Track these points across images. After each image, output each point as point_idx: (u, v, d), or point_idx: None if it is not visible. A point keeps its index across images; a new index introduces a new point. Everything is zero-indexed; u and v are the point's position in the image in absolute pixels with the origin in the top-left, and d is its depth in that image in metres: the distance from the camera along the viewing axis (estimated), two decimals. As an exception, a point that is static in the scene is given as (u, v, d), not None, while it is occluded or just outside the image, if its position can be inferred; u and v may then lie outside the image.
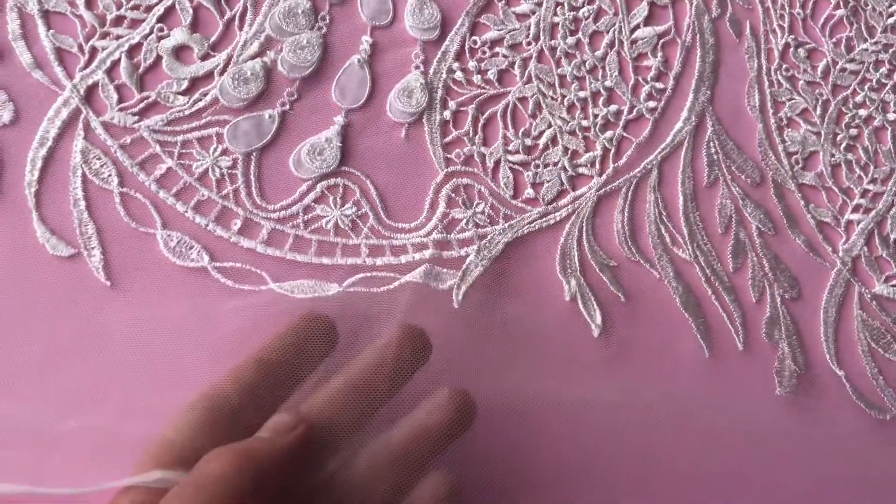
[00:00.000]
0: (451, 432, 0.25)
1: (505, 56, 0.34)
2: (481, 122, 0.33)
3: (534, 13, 0.35)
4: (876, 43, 0.38)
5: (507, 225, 0.32)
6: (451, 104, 0.33)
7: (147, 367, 0.27)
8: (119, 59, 0.31)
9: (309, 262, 0.30)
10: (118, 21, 0.32)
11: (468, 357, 0.29)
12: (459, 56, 0.34)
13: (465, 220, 0.32)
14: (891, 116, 0.37)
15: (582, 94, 0.34)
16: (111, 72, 0.31)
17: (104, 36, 0.31)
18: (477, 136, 0.33)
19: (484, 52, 0.34)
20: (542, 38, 0.35)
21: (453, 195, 0.32)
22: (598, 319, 0.31)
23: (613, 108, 0.34)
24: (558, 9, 0.35)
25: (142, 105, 0.31)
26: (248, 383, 0.24)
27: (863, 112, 0.36)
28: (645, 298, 0.32)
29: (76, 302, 0.28)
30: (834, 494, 0.31)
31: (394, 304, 0.29)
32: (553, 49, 0.35)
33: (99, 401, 0.26)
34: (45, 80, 0.30)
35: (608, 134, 0.34)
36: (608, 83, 0.35)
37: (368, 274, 0.30)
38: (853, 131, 0.36)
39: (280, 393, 0.25)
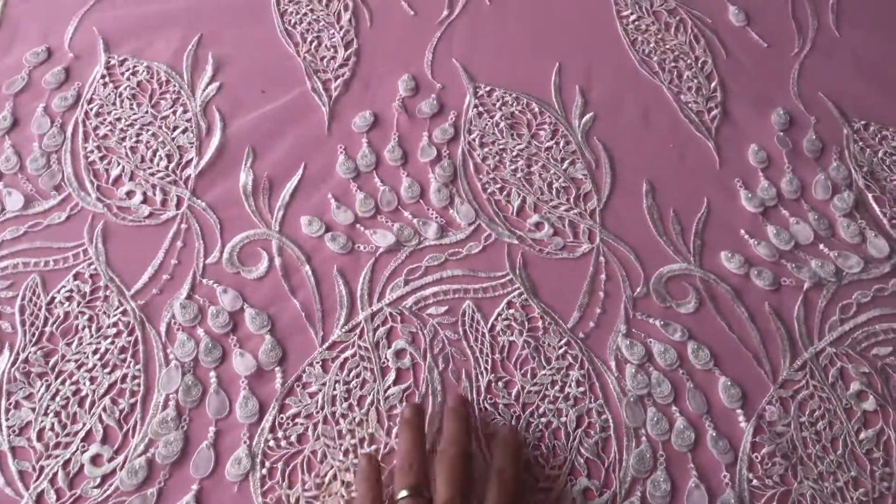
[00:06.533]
0: None
1: (302, 424, 0.54)
2: (287, 472, 0.52)
3: (320, 391, 0.55)
4: (552, 368, 0.58)
5: (304, 543, 0.50)
6: (267, 464, 0.52)
7: None
8: (57, 471, 0.51)
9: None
10: (57, 446, 0.52)
11: None
12: (272, 430, 0.54)
13: (276, 545, 0.50)
14: (563, 419, 0.56)
15: (353, 441, 0.54)
16: (52, 480, 0.51)
17: (49, 458, 0.51)
18: (284, 482, 0.52)
19: (288, 424, 0.54)
20: (325, 407, 0.55)
21: (269, 528, 0.50)
22: None
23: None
24: (336, 385, 0.56)
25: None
26: None
27: (544, 420, 0.56)
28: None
29: None
30: None
31: None
32: (334, 414, 0.55)
33: None
34: (9, 492, 0.50)
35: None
36: (371, 430, 0.54)
37: None
38: (538, 433, 0.55)
39: None
